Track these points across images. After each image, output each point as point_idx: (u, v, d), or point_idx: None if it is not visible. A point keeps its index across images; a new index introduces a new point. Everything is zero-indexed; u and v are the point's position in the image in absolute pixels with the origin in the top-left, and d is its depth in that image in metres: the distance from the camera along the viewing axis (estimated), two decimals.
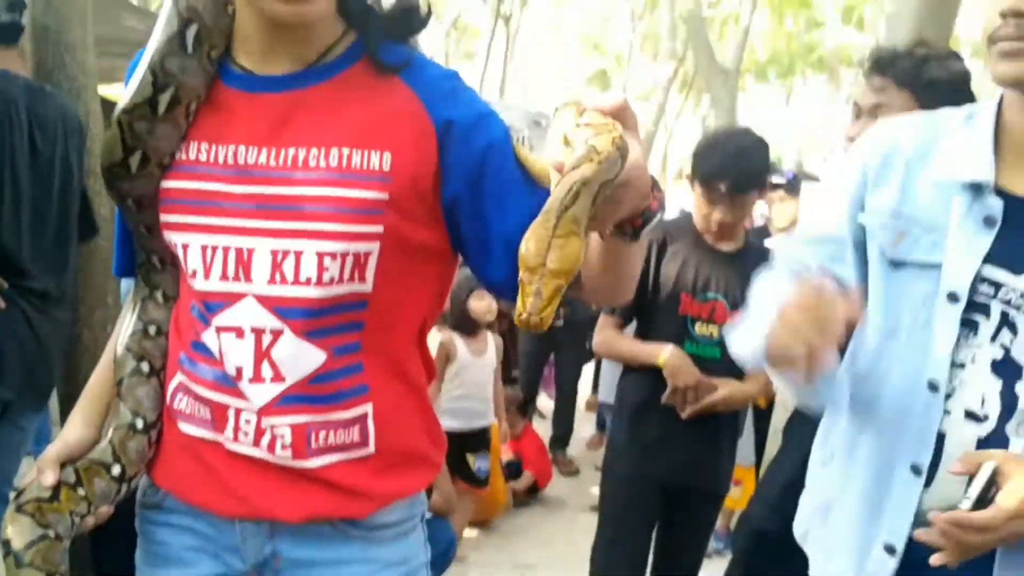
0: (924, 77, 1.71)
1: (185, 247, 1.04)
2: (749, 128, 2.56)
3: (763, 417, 3.49)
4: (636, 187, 0.85)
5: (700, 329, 2.34)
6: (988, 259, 1.14)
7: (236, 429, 1.04)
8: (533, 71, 20.71)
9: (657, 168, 14.77)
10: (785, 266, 1.33)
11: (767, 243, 4.21)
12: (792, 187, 4.14)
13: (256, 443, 1.04)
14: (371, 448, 1.06)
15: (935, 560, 1.10)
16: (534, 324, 0.79)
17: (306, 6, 0.96)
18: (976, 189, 1.16)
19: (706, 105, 18.27)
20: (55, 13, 2.49)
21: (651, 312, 2.37)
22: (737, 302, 2.34)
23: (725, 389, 2.30)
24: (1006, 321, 1.13)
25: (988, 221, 1.14)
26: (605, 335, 2.49)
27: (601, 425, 5.23)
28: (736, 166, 2.29)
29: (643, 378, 2.37)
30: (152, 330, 1.13)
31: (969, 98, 1.72)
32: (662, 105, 10.48)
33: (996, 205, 1.14)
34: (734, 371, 2.33)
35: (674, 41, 10.14)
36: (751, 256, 2.42)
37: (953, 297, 1.16)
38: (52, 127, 2.23)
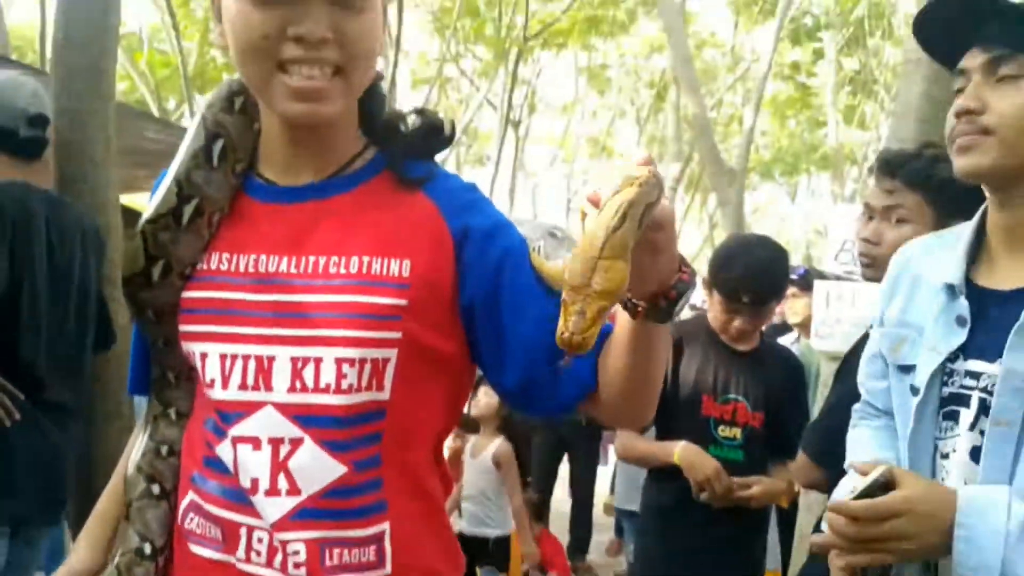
0: (934, 178, 1.73)
1: (204, 356, 1.03)
2: (767, 237, 2.57)
3: (786, 517, 3.40)
4: (670, 235, 0.86)
5: (723, 431, 2.31)
6: (968, 353, 1.20)
7: (248, 548, 1.01)
8: (542, 175, 21.12)
9: None
10: (860, 412, 1.44)
11: (784, 340, 4.21)
12: (804, 283, 4.15)
13: (269, 562, 1.00)
14: (387, 569, 1.02)
15: (836, 561, 1.13)
16: (576, 344, 0.78)
17: (319, 105, 0.98)
18: (951, 290, 1.24)
19: (713, 204, 18.54)
20: (80, 128, 2.57)
21: (672, 415, 2.32)
22: (758, 403, 2.33)
23: (759, 486, 2.25)
24: (983, 407, 1.17)
25: (959, 320, 1.22)
26: (624, 438, 2.46)
27: (619, 530, 5.10)
28: (758, 279, 2.29)
29: (667, 483, 2.32)
30: (164, 450, 1.12)
31: (980, 197, 1.73)
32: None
33: (964, 305, 1.22)
34: (757, 472, 2.30)
35: (679, 143, 10.37)
36: (768, 356, 2.44)
37: (914, 390, 1.24)
38: (71, 238, 2.26)
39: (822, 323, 3.30)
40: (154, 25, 13.59)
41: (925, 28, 1.30)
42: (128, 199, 4.16)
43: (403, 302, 1.00)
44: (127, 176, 4.23)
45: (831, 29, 14.34)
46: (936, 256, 1.31)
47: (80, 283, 2.30)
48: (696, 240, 19.47)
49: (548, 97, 18.40)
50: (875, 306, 1.42)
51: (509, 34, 11.42)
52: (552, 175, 21.07)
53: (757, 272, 2.29)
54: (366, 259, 1.01)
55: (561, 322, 0.79)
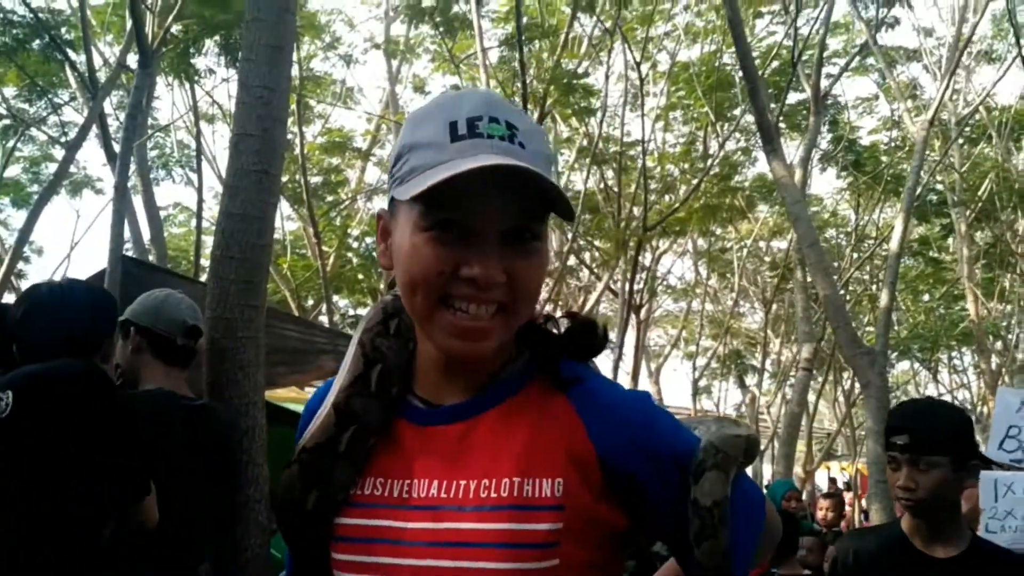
0: None
1: None
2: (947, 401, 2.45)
3: None
4: None
5: None
6: None
7: None
8: (668, 360, 20.90)
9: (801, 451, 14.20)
10: None
11: None
12: None
13: None
14: None
15: None
16: None
17: (480, 344, 0.98)
18: None
19: (847, 383, 17.73)
20: (234, 336, 2.70)
21: None
22: None
23: None
24: None
25: None
26: None
27: None
28: (914, 419, 2.07)
29: None
30: None
31: None
32: (805, 386, 10.26)
33: None
34: None
35: (809, 323, 10.14)
36: (980, 561, 2.00)
37: None
38: (207, 448, 2.33)
39: (992, 518, 3.00)
40: (295, 232, 14.66)
41: None
42: (269, 394, 4.29)
43: (559, 526, 0.95)
44: (269, 372, 4.38)
45: (959, 206, 14.02)
46: None
47: (214, 492, 2.34)
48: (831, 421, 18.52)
49: (668, 279, 18.51)
50: None
51: (628, 225, 11.66)
52: (675, 356, 20.85)
53: (914, 412, 2.14)
54: (516, 480, 0.97)
55: None
